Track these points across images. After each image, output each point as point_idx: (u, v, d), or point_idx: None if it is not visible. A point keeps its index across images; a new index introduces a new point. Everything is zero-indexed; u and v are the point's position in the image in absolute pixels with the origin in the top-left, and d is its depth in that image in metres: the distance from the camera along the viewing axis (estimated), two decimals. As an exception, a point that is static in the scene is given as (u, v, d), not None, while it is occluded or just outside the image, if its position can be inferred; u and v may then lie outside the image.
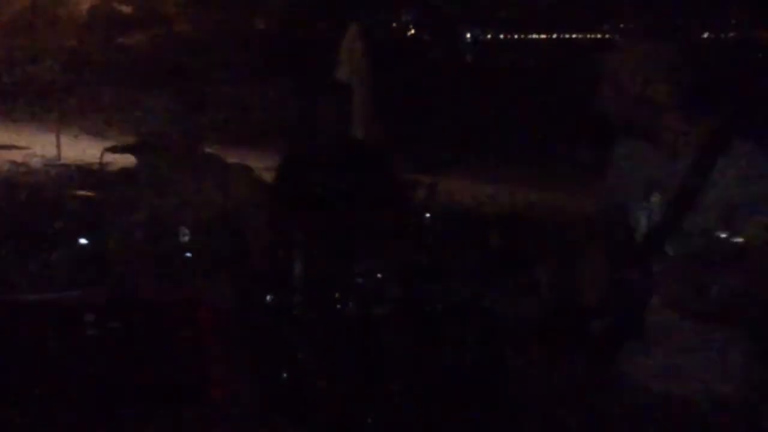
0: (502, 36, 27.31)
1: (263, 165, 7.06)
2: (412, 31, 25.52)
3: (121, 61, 17.87)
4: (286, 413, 4.09)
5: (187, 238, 3.82)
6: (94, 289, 3.99)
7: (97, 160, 4.37)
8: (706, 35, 19.56)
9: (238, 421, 3.75)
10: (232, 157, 4.27)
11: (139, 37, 19.47)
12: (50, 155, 11.62)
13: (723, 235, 2.44)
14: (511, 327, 4.40)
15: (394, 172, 5.12)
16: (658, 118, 2.63)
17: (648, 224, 2.65)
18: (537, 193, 11.40)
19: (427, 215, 6.06)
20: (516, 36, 27.86)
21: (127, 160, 4.12)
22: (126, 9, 20.33)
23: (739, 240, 2.42)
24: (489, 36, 26.93)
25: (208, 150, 4.00)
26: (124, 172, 4.17)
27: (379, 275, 4.40)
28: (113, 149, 4.25)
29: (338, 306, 4.29)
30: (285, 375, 4.14)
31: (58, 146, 11.50)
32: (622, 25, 19.94)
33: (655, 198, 2.65)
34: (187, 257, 3.84)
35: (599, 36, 20.96)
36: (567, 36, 24.24)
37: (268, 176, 5.07)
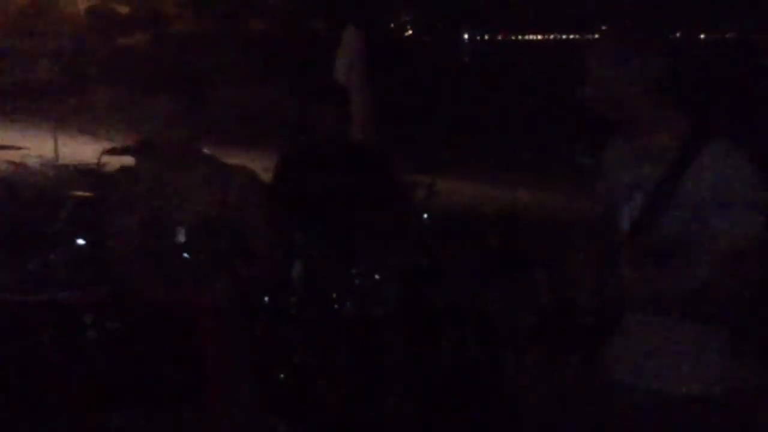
0: (500, 37, 27.33)
1: (262, 166, 7.06)
2: (410, 32, 25.54)
3: (120, 62, 17.86)
4: (286, 414, 4.09)
5: (183, 239, 3.81)
6: (92, 289, 3.99)
7: (96, 161, 4.36)
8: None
9: (237, 421, 3.74)
10: (231, 158, 4.26)
11: (138, 38, 19.46)
12: (48, 155, 11.60)
13: (697, 233, 2.48)
14: (510, 328, 4.40)
15: (393, 172, 5.12)
16: (637, 117, 2.67)
17: (630, 224, 2.69)
18: (536, 193, 11.40)
19: (426, 216, 6.06)
20: (514, 36, 27.88)
21: (126, 160, 4.12)
22: (124, 9, 20.33)
23: (715, 239, 2.46)
24: (487, 37, 26.93)
25: (206, 151, 3.99)
26: (122, 173, 4.16)
27: (377, 276, 4.40)
28: (112, 151, 4.24)
29: (336, 306, 4.29)
30: (283, 375, 4.14)
31: (56, 147, 11.47)
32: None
33: (637, 198, 2.68)
34: (186, 258, 3.83)
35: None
36: (567, 37, 24.26)
37: (266, 177, 5.06)
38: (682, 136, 2.61)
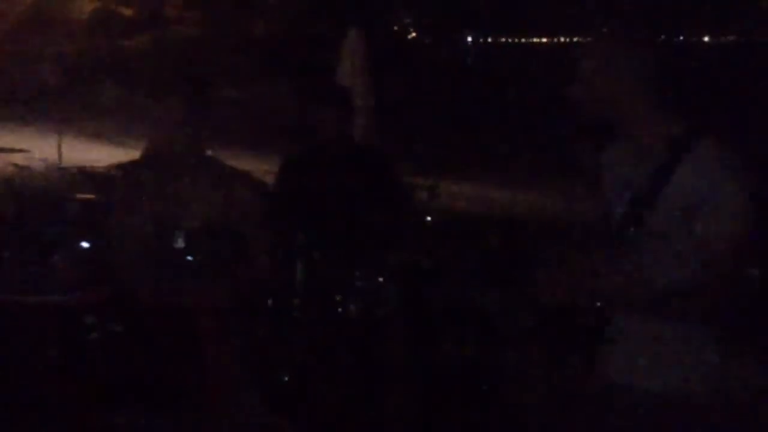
0: (503, 39, 27.34)
1: (264, 168, 7.07)
2: (413, 34, 25.54)
3: (123, 64, 17.89)
4: (288, 415, 4.10)
5: (186, 242, 3.83)
6: (95, 291, 4.00)
7: (98, 164, 4.38)
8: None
9: (238, 422, 3.76)
10: (233, 161, 4.28)
11: (141, 40, 19.48)
12: (52, 158, 11.61)
13: (683, 232, 2.50)
14: (510, 328, 4.41)
15: (395, 174, 5.13)
16: (629, 117, 2.70)
17: (618, 222, 2.73)
18: (538, 195, 11.41)
19: (428, 218, 6.07)
20: (517, 39, 27.88)
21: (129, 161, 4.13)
22: (127, 11, 20.35)
23: (700, 238, 2.48)
24: (490, 39, 26.94)
25: (209, 153, 4.01)
26: (127, 176, 4.18)
27: (379, 277, 4.41)
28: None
29: (339, 308, 4.30)
30: (286, 376, 4.15)
31: (60, 149, 11.49)
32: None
33: (626, 196, 2.71)
34: (188, 260, 3.85)
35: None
36: (569, 39, 24.26)
37: (269, 179, 5.07)
38: (673, 136, 2.64)
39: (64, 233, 4.44)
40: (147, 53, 18.51)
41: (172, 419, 3.62)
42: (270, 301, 4.18)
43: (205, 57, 17.38)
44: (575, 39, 23.26)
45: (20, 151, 9.79)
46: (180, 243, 3.83)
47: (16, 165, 10.62)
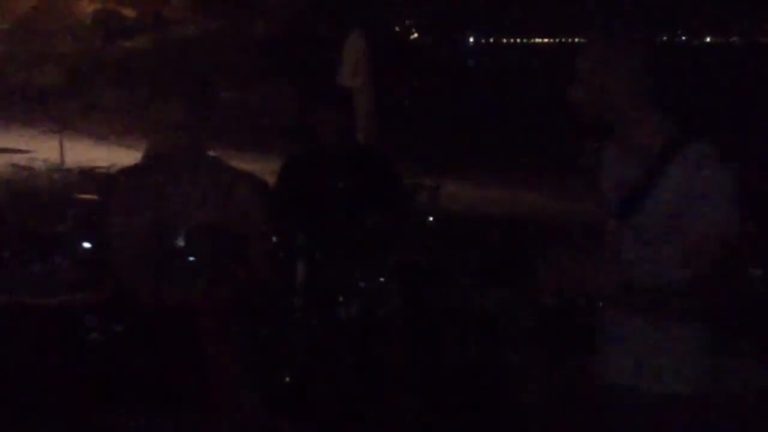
0: (505, 39, 27.36)
1: (266, 168, 7.07)
2: (415, 35, 25.55)
3: (123, 64, 17.90)
4: (288, 415, 4.10)
5: (188, 242, 3.83)
6: (97, 291, 4.01)
7: (99, 164, 4.39)
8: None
9: (239, 422, 3.76)
10: (235, 161, 4.29)
11: (141, 40, 19.49)
12: (53, 159, 11.62)
13: (672, 232, 2.52)
14: (511, 328, 4.41)
15: (396, 174, 5.13)
16: (623, 118, 2.72)
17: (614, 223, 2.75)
18: (539, 196, 11.41)
19: (430, 218, 6.07)
20: (519, 39, 27.90)
21: (131, 162, 4.14)
22: (128, 12, 20.36)
23: (688, 237, 2.49)
24: (492, 39, 26.96)
25: (211, 153, 4.02)
26: (128, 176, 4.19)
27: (381, 278, 4.41)
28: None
29: (340, 308, 4.30)
30: (288, 377, 4.15)
31: (62, 150, 11.50)
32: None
33: (620, 197, 2.73)
34: (191, 261, 3.85)
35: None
36: (571, 40, 24.27)
37: (271, 179, 5.08)
38: (666, 137, 2.65)
39: (65, 233, 4.44)
40: (147, 53, 18.52)
41: (172, 419, 3.62)
42: (270, 301, 4.18)
43: (205, 57, 17.38)
44: (576, 39, 23.26)
45: (21, 151, 9.80)
46: (180, 243, 3.83)
47: (18, 165, 10.63)
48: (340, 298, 4.31)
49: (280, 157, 5.40)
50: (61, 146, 11.71)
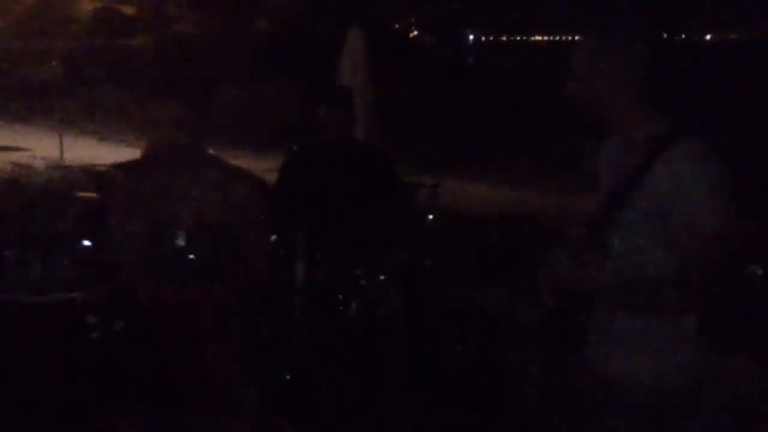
0: (504, 38, 27.35)
1: (266, 166, 7.07)
2: (415, 33, 25.56)
3: (123, 63, 17.90)
4: (288, 415, 4.10)
5: (187, 241, 3.83)
6: (97, 290, 4.00)
7: (99, 162, 4.39)
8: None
9: (239, 421, 3.76)
10: (235, 159, 4.29)
11: (142, 39, 19.50)
12: (53, 157, 11.64)
13: (660, 228, 2.52)
14: (511, 328, 4.41)
15: (397, 173, 5.13)
16: (617, 114, 2.73)
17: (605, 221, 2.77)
18: (538, 194, 11.42)
19: (430, 217, 6.07)
20: (518, 38, 27.89)
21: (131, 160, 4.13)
22: (129, 10, 20.37)
23: (675, 233, 2.49)
24: (492, 38, 26.95)
25: (210, 152, 4.02)
26: (128, 175, 4.19)
27: (381, 277, 4.41)
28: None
29: (340, 308, 4.30)
30: (287, 376, 4.15)
31: (61, 148, 11.51)
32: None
33: (611, 194, 2.75)
34: (189, 260, 3.85)
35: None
36: (571, 38, 24.26)
37: (270, 178, 5.08)
38: (658, 133, 2.66)
39: (65, 232, 4.44)
40: (147, 53, 18.52)
41: (172, 419, 3.62)
42: (270, 301, 4.18)
43: (205, 57, 17.38)
44: (576, 38, 23.27)
45: (21, 150, 9.82)
46: (180, 242, 3.83)
47: (17, 164, 10.65)
48: (340, 297, 4.31)
49: (280, 156, 5.40)
50: (61, 144, 11.71)
